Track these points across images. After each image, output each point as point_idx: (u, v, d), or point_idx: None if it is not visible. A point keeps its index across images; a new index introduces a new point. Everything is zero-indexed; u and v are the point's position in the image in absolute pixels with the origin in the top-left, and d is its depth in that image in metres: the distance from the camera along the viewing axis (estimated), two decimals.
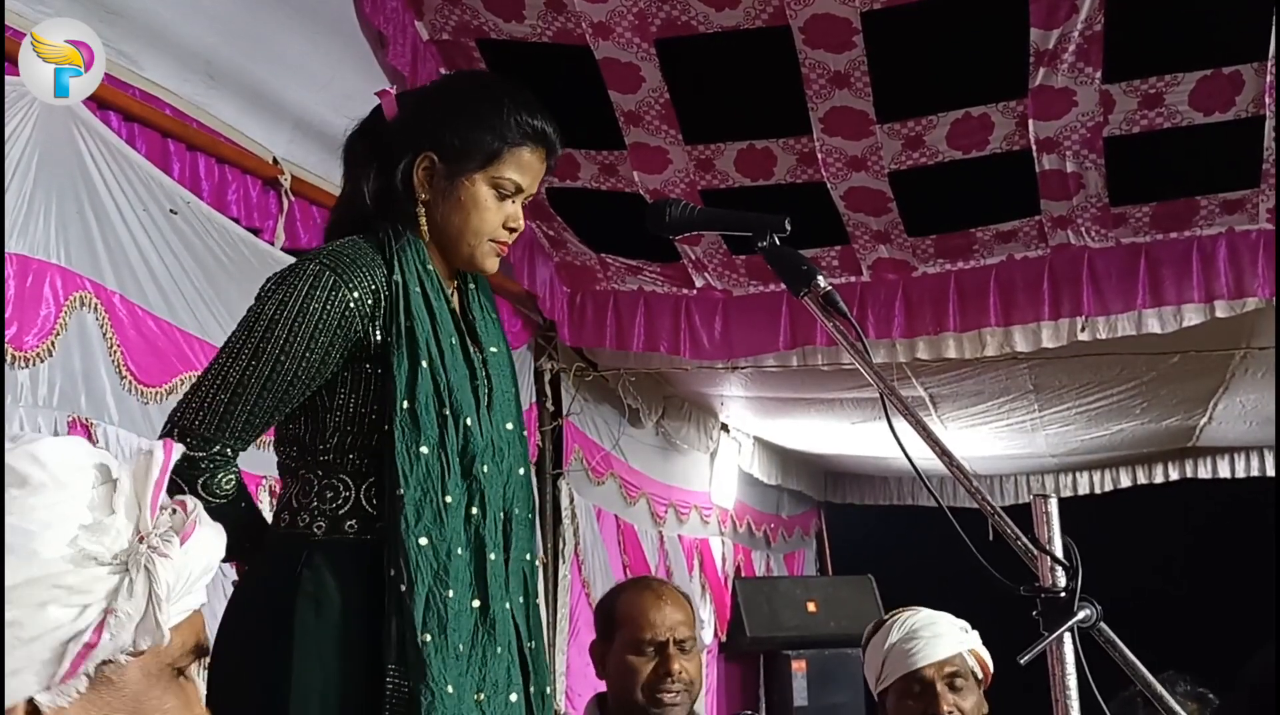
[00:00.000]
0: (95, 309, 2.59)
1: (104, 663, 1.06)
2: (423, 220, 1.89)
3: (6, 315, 2.36)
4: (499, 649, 1.81)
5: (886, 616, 2.86)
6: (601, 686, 2.88)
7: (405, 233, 1.88)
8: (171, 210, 2.80)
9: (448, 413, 1.80)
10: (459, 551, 1.79)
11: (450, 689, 1.72)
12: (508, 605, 1.85)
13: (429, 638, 1.72)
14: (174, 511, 1.13)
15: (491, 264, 1.93)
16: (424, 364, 1.80)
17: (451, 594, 1.76)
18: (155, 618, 1.07)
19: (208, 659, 1.41)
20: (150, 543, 1.08)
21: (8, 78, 2.32)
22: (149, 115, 2.79)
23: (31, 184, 2.43)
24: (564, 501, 5.05)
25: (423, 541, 1.75)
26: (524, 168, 1.90)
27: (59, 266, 2.50)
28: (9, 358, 2.37)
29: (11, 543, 1.01)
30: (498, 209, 1.90)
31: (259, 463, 2.41)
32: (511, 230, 1.92)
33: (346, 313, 1.78)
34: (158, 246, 2.78)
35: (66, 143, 2.53)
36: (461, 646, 1.76)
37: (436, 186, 1.89)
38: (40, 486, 1.04)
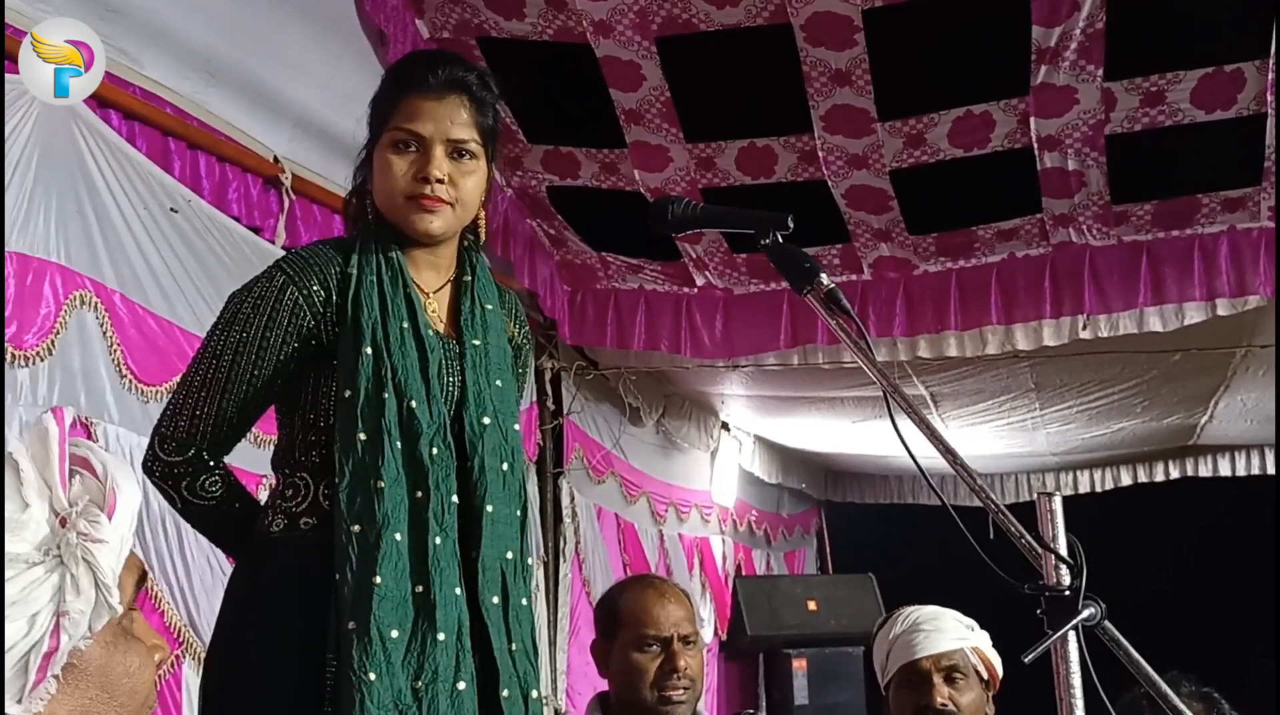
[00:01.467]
0: (95, 308, 2.58)
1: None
2: (370, 207, 1.91)
3: (7, 314, 2.35)
4: (441, 635, 1.76)
5: (895, 611, 2.86)
6: (603, 685, 2.87)
7: (369, 224, 1.90)
8: (172, 209, 2.80)
9: (387, 396, 1.79)
10: (397, 537, 1.76)
11: (372, 675, 1.69)
12: (457, 592, 1.80)
13: (352, 625, 1.71)
14: (83, 476, 1.10)
15: (422, 222, 1.86)
16: (367, 351, 1.80)
17: (379, 580, 1.73)
18: (106, 601, 1.06)
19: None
20: (78, 528, 1.05)
21: (7, 76, 2.32)
22: (149, 114, 2.79)
23: (32, 182, 2.42)
24: (564, 500, 5.05)
25: (355, 528, 1.75)
26: (414, 114, 1.85)
27: (59, 265, 2.49)
28: (9, 356, 2.37)
29: None
30: (403, 162, 1.85)
31: (258, 462, 2.41)
32: (425, 180, 1.84)
33: (296, 309, 1.81)
34: (158, 245, 2.77)
35: (67, 141, 2.53)
36: (395, 633, 1.73)
37: (370, 170, 1.91)
38: None
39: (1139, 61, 3.61)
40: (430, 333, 1.86)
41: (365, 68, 3.44)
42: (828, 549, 9.09)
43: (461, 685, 1.77)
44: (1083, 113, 3.73)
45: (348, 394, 1.78)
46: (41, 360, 2.45)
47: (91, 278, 2.58)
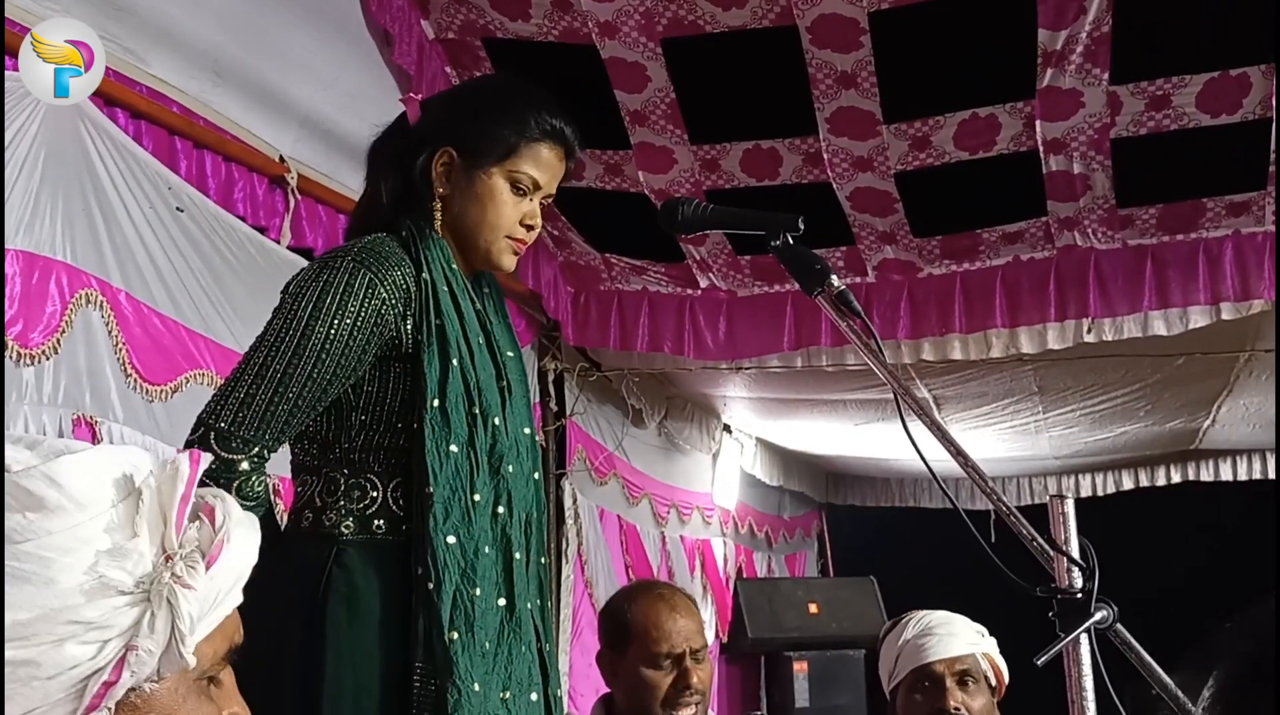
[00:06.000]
0: (101, 307, 2.58)
1: (129, 690, 1.02)
2: (438, 215, 1.90)
3: (12, 313, 2.35)
4: (523, 647, 1.82)
5: (903, 616, 2.86)
6: (605, 686, 2.86)
7: (428, 231, 1.88)
8: (178, 208, 2.80)
9: (477, 412, 1.80)
10: (486, 550, 1.79)
11: (476, 687, 1.72)
12: (529, 605, 1.86)
13: (455, 635, 1.72)
14: (202, 523, 1.07)
15: (508, 261, 1.94)
16: (454, 362, 1.80)
17: (478, 592, 1.75)
18: (178, 650, 1.02)
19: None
20: (174, 570, 1.02)
21: (14, 74, 2.32)
22: (156, 112, 2.78)
23: (38, 181, 2.42)
24: (567, 502, 5.05)
25: (450, 540, 1.75)
26: (541, 164, 1.92)
27: (65, 264, 2.49)
28: (14, 355, 2.36)
29: (28, 571, 0.96)
30: (514, 204, 1.91)
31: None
32: (529, 228, 1.93)
33: (382, 310, 1.78)
34: (164, 244, 2.77)
35: (73, 139, 2.52)
36: (488, 645, 1.76)
37: (455, 181, 1.90)
38: (57, 509, 0.98)
39: (1145, 65, 3.60)
40: (494, 348, 1.90)
41: (371, 68, 3.44)
42: (829, 552, 9.09)
43: (534, 696, 1.83)
44: (1088, 116, 3.72)
45: (436, 403, 1.77)
46: (47, 359, 2.44)
47: (97, 276, 2.57)
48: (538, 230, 1.96)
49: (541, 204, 1.96)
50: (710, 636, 6.44)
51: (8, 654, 0.94)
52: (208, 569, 1.04)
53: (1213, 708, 0.91)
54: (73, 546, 0.98)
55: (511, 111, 1.92)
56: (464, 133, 1.91)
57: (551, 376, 5.01)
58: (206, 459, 1.11)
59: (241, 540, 1.10)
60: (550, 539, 4.91)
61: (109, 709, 1.00)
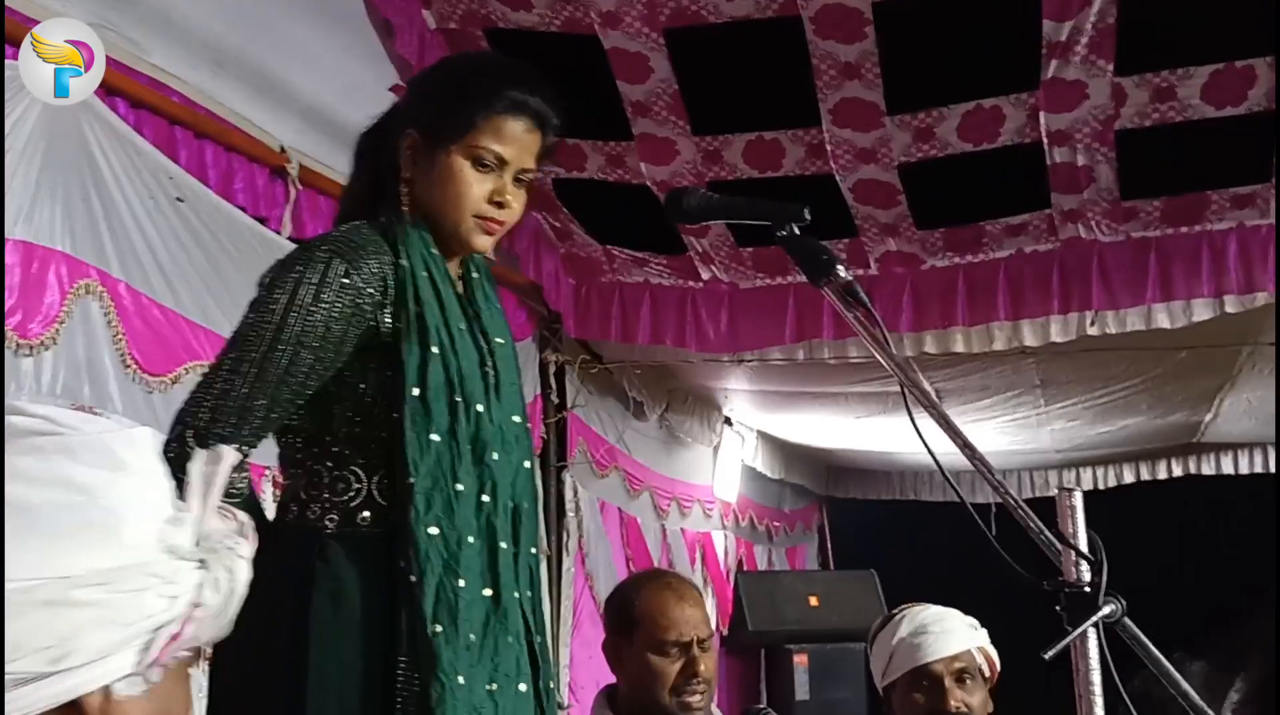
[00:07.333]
0: (100, 297, 2.57)
1: None
2: (405, 198, 1.85)
3: (11, 303, 2.34)
4: (510, 638, 1.79)
5: (894, 611, 2.84)
6: (605, 680, 2.85)
7: (403, 217, 1.85)
8: (178, 198, 2.79)
9: (459, 399, 1.77)
10: (470, 540, 1.76)
11: (461, 679, 1.69)
12: (516, 595, 1.83)
13: (439, 628, 1.69)
14: (226, 517, 1.10)
15: (480, 241, 1.87)
16: (434, 350, 1.77)
17: (462, 583, 1.73)
18: (228, 614, 1.05)
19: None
20: (225, 543, 1.06)
21: (14, 64, 2.31)
22: (156, 102, 2.77)
23: (38, 170, 2.41)
24: (568, 494, 5.04)
25: (432, 531, 1.72)
26: (504, 137, 1.83)
27: (64, 253, 2.48)
28: (13, 345, 2.35)
29: (110, 524, 0.99)
30: (478, 181, 1.83)
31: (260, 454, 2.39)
32: (498, 204, 1.85)
33: (359, 300, 1.74)
34: (163, 235, 2.76)
35: (73, 129, 2.51)
36: (473, 636, 1.74)
37: (419, 163, 1.85)
38: (134, 472, 1.02)
39: (1150, 57, 3.59)
40: (479, 334, 1.86)
41: (372, 58, 3.43)
42: (829, 545, 9.08)
43: (523, 687, 1.79)
44: (1093, 108, 3.70)
45: (416, 392, 1.74)
46: (45, 349, 2.44)
47: (97, 267, 2.57)
48: (514, 208, 1.87)
49: (524, 181, 1.88)
50: None
51: (84, 594, 0.96)
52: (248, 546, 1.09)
53: (1244, 706, 0.90)
54: (145, 509, 1.02)
55: (469, 87, 1.86)
56: (425, 112, 1.86)
57: (553, 369, 4.99)
58: (232, 454, 1.11)
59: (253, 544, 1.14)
60: (551, 532, 4.91)
61: (165, 666, 1.02)
